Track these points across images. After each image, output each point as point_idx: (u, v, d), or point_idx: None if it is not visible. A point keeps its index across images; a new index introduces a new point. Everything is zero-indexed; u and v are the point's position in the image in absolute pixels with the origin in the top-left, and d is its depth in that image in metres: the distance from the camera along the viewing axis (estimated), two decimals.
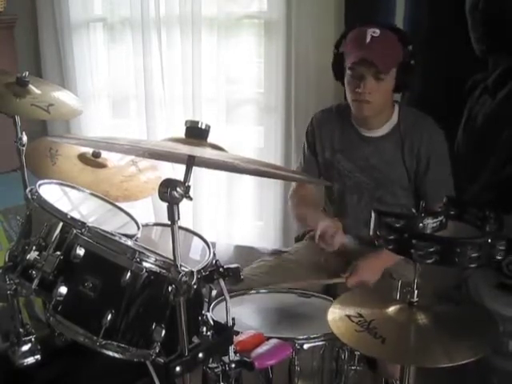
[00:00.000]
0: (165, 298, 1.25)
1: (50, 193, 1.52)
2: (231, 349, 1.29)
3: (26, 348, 1.49)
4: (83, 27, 2.94)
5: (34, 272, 1.34)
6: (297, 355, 1.49)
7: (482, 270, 1.92)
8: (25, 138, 1.82)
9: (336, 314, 1.34)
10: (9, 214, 2.56)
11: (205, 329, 1.24)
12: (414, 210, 1.32)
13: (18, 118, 1.80)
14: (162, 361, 1.24)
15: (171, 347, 1.23)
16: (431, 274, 1.43)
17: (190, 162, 1.18)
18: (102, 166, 2.15)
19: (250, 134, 2.82)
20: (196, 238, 1.67)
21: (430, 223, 1.30)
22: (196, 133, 1.23)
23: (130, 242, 1.41)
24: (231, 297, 1.50)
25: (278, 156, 2.64)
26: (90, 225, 1.35)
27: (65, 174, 1.98)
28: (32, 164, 1.95)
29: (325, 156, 2.06)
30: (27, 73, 1.83)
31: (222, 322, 1.31)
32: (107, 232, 1.37)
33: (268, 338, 1.40)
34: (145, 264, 1.28)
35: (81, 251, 1.30)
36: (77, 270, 1.30)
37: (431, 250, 1.16)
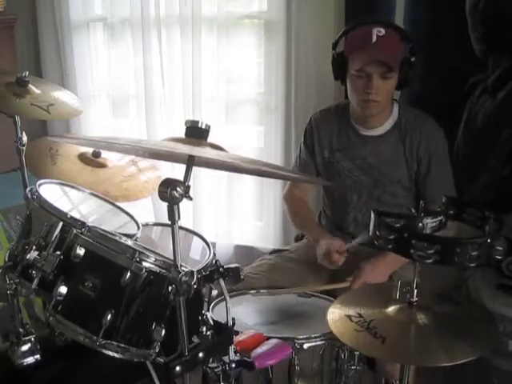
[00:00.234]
0: (165, 297, 1.26)
1: (50, 192, 1.52)
2: (231, 349, 1.29)
3: (25, 348, 1.48)
4: (83, 27, 2.94)
5: (33, 272, 1.34)
6: (297, 355, 1.49)
7: (482, 271, 1.92)
8: (25, 138, 1.82)
9: (336, 314, 1.34)
10: (9, 213, 2.56)
11: (205, 329, 1.24)
12: (413, 210, 1.32)
13: (18, 118, 1.80)
14: (162, 361, 1.24)
15: (171, 347, 1.22)
16: (431, 273, 1.43)
17: (190, 161, 1.18)
18: (102, 165, 2.15)
19: (250, 134, 2.82)
20: (196, 238, 1.67)
21: (429, 223, 1.30)
22: (196, 133, 1.23)
23: (129, 242, 1.41)
24: (231, 297, 1.50)
25: (277, 156, 2.64)
26: (89, 224, 1.35)
27: (65, 174, 1.98)
28: (32, 164, 1.95)
29: (324, 155, 2.06)
30: (27, 73, 1.82)
31: (222, 322, 1.31)
32: (107, 232, 1.37)
33: (268, 338, 1.40)
34: (145, 264, 1.28)
35: (81, 251, 1.30)
36: (77, 270, 1.30)
37: (431, 249, 1.16)
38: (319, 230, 2.04)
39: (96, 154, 2.14)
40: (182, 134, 1.24)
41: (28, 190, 1.50)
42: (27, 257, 1.36)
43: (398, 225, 1.28)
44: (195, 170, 1.22)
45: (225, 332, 1.30)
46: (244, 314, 1.67)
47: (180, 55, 2.71)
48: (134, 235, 1.52)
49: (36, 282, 1.33)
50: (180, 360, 1.18)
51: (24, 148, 1.82)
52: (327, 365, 1.56)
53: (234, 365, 1.29)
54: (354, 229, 1.99)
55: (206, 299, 1.38)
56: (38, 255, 1.36)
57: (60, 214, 1.40)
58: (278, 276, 1.92)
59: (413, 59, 1.89)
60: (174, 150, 1.21)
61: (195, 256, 1.58)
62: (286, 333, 1.53)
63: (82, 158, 2.14)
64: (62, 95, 1.94)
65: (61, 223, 1.37)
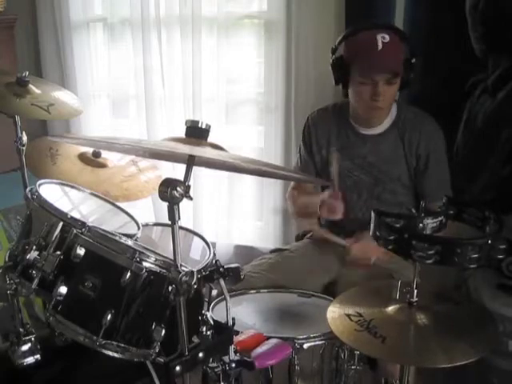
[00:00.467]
0: (165, 297, 1.26)
1: (50, 192, 1.52)
2: (231, 348, 1.29)
3: (25, 348, 1.48)
4: (83, 27, 2.94)
5: (34, 272, 1.34)
6: (297, 355, 1.49)
7: (482, 271, 1.92)
8: (25, 138, 1.82)
9: (335, 313, 1.34)
10: (9, 213, 2.56)
11: (205, 328, 1.24)
12: (413, 210, 1.32)
13: (18, 118, 1.80)
14: (162, 360, 1.24)
15: (171, 347, 1.22)
16: (431, 273, 1.43)
17: (190, 161, 1.19)
18: (102, 165, 2.15)
19: (250, 134, 2.82)
20: (196, 238, 1.67)
21: (429, 223, 1.30)
22: (196, 132, 1.23)
23: (130, 242, 1.41)
24: (231, 296, 1.50)
25: (277, 156, 2.64)
26: (90, 224, 1.35)
27: (65, 174, 1.98)
28: (32, 164, 1.95)
29: (322, 155, 2.06)
30: (27, 73, 1.82)
31: (222, 322, 1.31)
32: (107, 232, 1.37)
33: (268, 338, 1.40)
34: (145, 264, 1.28)
35: (81, 251, 1.30)
36: (77, 270, 1.30)
37: (431, 250, 1.16)
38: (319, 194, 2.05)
39: (96, 154, 2.14)
40: (182, 133, 1.24)
41: (28, 190, 1.50)
42: (27, 257, 1.36)
43: (398, 225, 1.28)
44: (195, 169, 1.22)
45: (225, 332, 1.30)
46: (244, 313, 1.67)
47: (180, 55, 2.70)
48: (134, 235, 1.52)
49: (36, 281, 1.33)
50: (180, 360, 1.18)
51: (24, 148, 1.82)
52: (327, 364, 1.57)
53: (234, 365, 1.29)
54: (354, 228, 1.99)
55: (206, 299, 1.38)
56: (38, 255, 1.36)
57: (60, 214, 1.40)
58: (278, 275, 1.92)
59: (413, 61, 1.89)
60: (175, 150, 1.21)
61: (195, 256, 1.58)
62: (286, 333, 1.53)
63: (82, 157, 2.14)
64: (62, 95, 1.94)
65: (61, 223, 1.37)
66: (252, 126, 2.80)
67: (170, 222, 1.15)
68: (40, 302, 2.35)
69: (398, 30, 1.94)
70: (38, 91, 1.85)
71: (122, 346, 1.26)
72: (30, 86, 1.83)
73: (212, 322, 1.25)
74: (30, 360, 1.48)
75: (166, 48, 2.73)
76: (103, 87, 3.03)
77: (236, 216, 2.85)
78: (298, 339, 1.50)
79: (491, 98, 2.07)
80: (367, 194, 2.00)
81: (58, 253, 1.33)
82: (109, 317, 1.25)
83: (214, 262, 1.37)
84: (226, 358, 1.29)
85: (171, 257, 1.19)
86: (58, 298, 1.29)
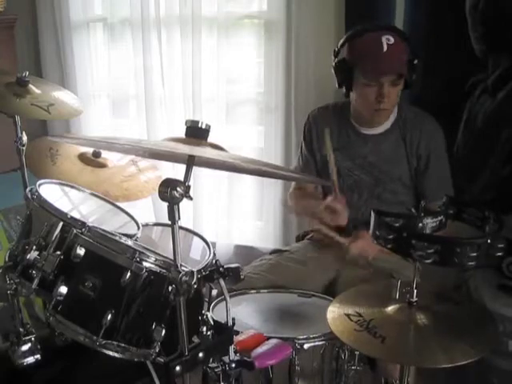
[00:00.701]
0: (165, 297, 1.26)
1: (50, 192, 1.52)
2: (231, 349, 1.29)
3: (25, 348, 1.48)
4: (83, 27, 2.94)
5: (34, 272, 1.34)
6: (297, 355, 1.49)
7: (482, 271, 1.92)
8: (25, 138, 1.82)
9: (335, 313, 1.34)
10: (9, 213, 2.56)
11: (205, 328, 1.24)
12: (413, 210, 1.32)
13: (18, 118, 1.80)
14: (162, 360, 1.24)
15: (171, 347, 1.22)
16: (431, 273, 1.43)
17: (190, 161, 1.18)
18: (102, 165, 2.15)
19: (250, 134, 2.82)
20: (196, 238, 1.67)
21: (429, 223, 1.30)
22: (196, 132, 1.23)
23: (130, 242, 1.41)
24: (231, 296, 1.50)
25: (278, 156, 2.64)
26: (90, 224, 1.35)
27: (65, 174, 1.98)
28: (32, 164, 1.95)
29: (322, 153, 2.06)
30: (27, 73, 1.82)
31: (222, 322, 1.31)
32: (107, 232, 1.37)
33: (268, 338, 1.40)
34: (145, 264, 1.28)
35: (81, 251, 1.30)
36: (77, 270, 1.30)
37: (431, 250, 1.16)
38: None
39: (96, 154, 2.14)
40: (182, 133, 1.24)
41: (28, 190, 1.50)
42: (27, 257, 1.36)
43: (398, 224, 1.28)
44: (195, 169, 1.22)
45: (225, 332, 1.30)
46: (244, 313, 1.67)
47: (180, 55, 2.70)
48: (134, 235, 1.52)
49: (36, 281, 1.33)
50: (180, 360, 1.18)
51: (24, 148, 1.82)
52: (327, 365, 1.56)
53: (234, 365, 1.29)
54: (355, 228, 1.99)
55: (206, 299, 1.38)
56: (38, 255, 1.36)
57: (60, 214, 1.40)
58: (278, 276, 1.92)
59: (415, 61, 1.90)
60: (174, 150, 1.21)
61: (195, 256, 1.57)
62: (286, 333, 1.53)
63: (82, 158, 2.14)
64: (62, 95, 1.94)
65: (61, 223, 1.37)
66: (252, 126, 2.80)
67: (169, 222, 1.15)
68: (40, 302, 2.35)
69: (399, 31, 1.94)
70: (38, 91, 1.85)
71: (122, 345, 1.26)
72: (30, 86, 1.83)
73: (212, 322, 1.25)
74: (30, 360, 1.48)
75: (166, 48, 2.73)
76: (103, 87, 3.03)
77: (236, 216, 2.85)
78: (299, 339, 1.49)
79: (491, 98, 2.07)
80: (368, 194, 2.00)
81: (58, 253, 1.33)
82: (109, 317, 1.25)
83: (214, 262, 1.37)
84: (226, 358, 1.29)
85: (171, 257, 1.19)
86: (58, 297, 1.29)
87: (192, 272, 1.17)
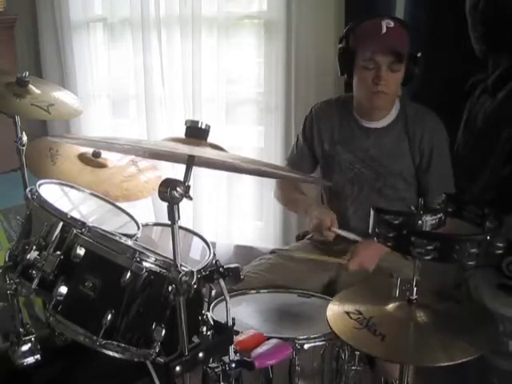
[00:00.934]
0: (165, 297, 1.26)
1: (50, 193, 1.52)
2: (231, 349, 1.29)
3: (25, 348, 1.48)
4: (83, 27, 2.95)
5: (34, 272, 1.34)
6: (297, 355, 1.48)
7: (482, 271, 1.92)
8: (25, 138, 1.82)
9: (335, 311, 1.34)
10: (9, 213, 2.56)
11: (205, 328, 1.24)
12: (412, 208, 1.32)
13: (18, 118, 1.80)
14: (162, 360, 1.24)
15: (171, 347, 1.22)
16: (430, 271, 1.43)
17: (190, 161, 1.18)
18: (102, 165, 2.15)
19: (250, 134, 2.82)
20: (196, 238, 1.67)
21: (428, 220, 1.30)
22: (196, 132, 1.23)
23: (130, 242, 1.41)
24: (231, 296, 1.50)
25: (277, 156, 2.64)
26: (90, 224, 1.35)
27: (65, 174, 1.98)
28: (32, 164, 1.95)
29: (324, 148, 2.06)
30: (27, 73, 1.82)
31: (222, 322, 1.31)
32: (107, 232, 1.37)
33: (268, 338, 1.40)
34: (145, 264, 1.28)
35: (81, 251, 1.30)
36: (77, 270, 1.30)
37: (430, 246, 1.17)
38: (311, 201, 2.07)
39: (96, 154, 2.14)
40: (182, 134, 1.24)
41: (28, 190, 1.50)
42: (27, 257, 1.36)
43: (397, 222, 1.28)
44: (195, 169, 1.22)
45: (225, 332, 1.29)
46: (244, 313, 1.67)
47: (180, 55, 2.71)
48: (134, 235, 1.52)
49: (36, 281, 1.33)
50: (180, 360, 1.18)
51: (24, 148, 1.82)
52: (328, 365, 1.56)
53: (234, 365, 1.29)
54: (355, 222, 1.99)
55: (206, 299, 1.38)
56: (38, 255, 1.36)
57: (60, 214, 1.40)
58: (278, 275, 1.92)
59: (419, 55, 1.90)
60: (174, 150, 1.21)
61: (195, 256, 1.57)
62: (286, 333, 1.53)
63: (82, 158, 2.14)
64: (62, 95, 1.94)
65: (61, 223, 1.37)
66: (252, 126, 2.80)
67: (169, 222, 1.15)
68: (40, 302, 2.35)
69: (406, 23, 1.94)
70: (37, 91, 1.85)
71: (122, 345, 1.26)
72: (30, 86, 1.83)
73: (212, 322, 1.25)
74: (30, 360, 1.48)
75: (166, 48, 2.73)
76: (103, 87, 3.03)
77: (236, 216, 2.85)
78: (299, 339, 1.49)
79: (491, 98, 2.07)
80: (368, 188, 2.00)
81: (58, 253, 1.33)
82: (109, 317, 1.25)
83: (213, 262, 1.37)
84: (226, 358, 1.29)
85: (171, 257, 1.19)
86: (58, 297, 1.28)
87: (192, 272, 1.17)
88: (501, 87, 2.04)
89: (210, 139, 1.24)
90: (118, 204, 1.73)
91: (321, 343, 1.52)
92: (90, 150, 2.16)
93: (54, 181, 1.65)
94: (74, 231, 1.34)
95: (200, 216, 2.80)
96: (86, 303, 1.29)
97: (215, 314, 1.50)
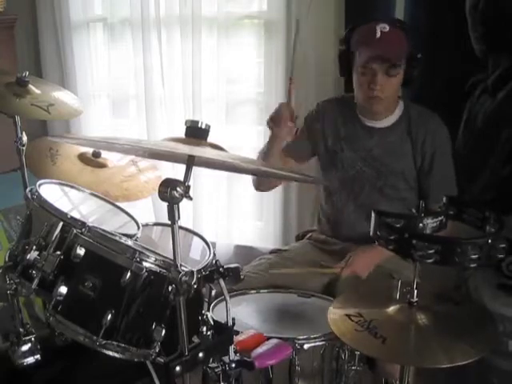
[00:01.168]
0: (165, 297, 1.26)
1: (50, 192, 1.52)
2: (231, 349, 1.29)
3: (25, 348, 1.48)
4: (83, 27, 2.95)
5: (34, 272, 1.34)
6: (297, 355, 1.49)
7: (482, 271, 1.92)
8: (25, 138, 1.82)
9: (336, 314, 1.34)
10: (9, 213, 2.56)
11: (205, 328, 1.24)
12: (413, 210, 1.32)
13: (18, 118, 1.80)
14: (162, 360, 1.24)
15: (171, 347, 1.22)
16: (431, 274, 1.43)
17: (190, 161, 1.18)
18: (102, 165, 2.15)
19: (249, 134, 2.82)
20: (196, 238, 1.67)
21: (429, 223, 1.30)
22: (196, 132, 1.23)
23: (130, 242, 1.41)
24: (231, 296, 1.50)
25: None
26: (90, 224, 1.35)
27: (65, 174, 1.98)
28: (32, 164, 1.95)
29: (327, 145, 2.06)
30: (27, 73, 1.83)
31: (222, 322, 1.31)
32: (107, 232, 1.37)
33: (268, 338, 1.40)
34: (145, 264, 1.28)
35: (81, 251, 1.30)
36: (77, 270, 1.30)
37: (432, 250, 1.16)
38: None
39: (96, 154, 2.14)
40: (182, 133, 1.24)
41: (28, 190, 1.50)
42: (27, 257, 1.36)
43: (399, 225, 1.28)
44: (195, 169, 1.22)
45: (225, 332, 1.29)
46: (244, 313, 1.67)
47: (180, 55, 2.71)
48: (134, 235, 1.52)
49: (36, 281, 1.33)
50: (180, 360, 1.18)
51: (24, 148, 1.83)
52: (328, 365, 1.56)
53: (234, 365, 1.29)
54: (354, 220, 1.99)
55: (206, 299, 1.38)
56: (38, 255, 1.36)
57: (60, 214, 1.40)
58: (278, 275, 1.92)
59: (419, 55, 1.89)
60: (174, 150, 1.21)
61: (195, 256, 1.57)
62: (286, 333, 1.52)
63: (82, 158, 2.14)
64: (62, 95, 1.94)
65: (61, 223, 1.37)
66: (252, 126, 2.80)
67: (169, 222, 1.15)
68: (40, 302, 2.35)
69: (404, 24, 1.94)
70: (37, 91, 1.85)
71: (122, 345, 1.26)
72: (30, 86, 1.84)
73: (212, 322, 1.25)
74: (30, 360, 1.48)
75: (166, 48, 2.73)
76: (103, 87, 3.03)
77: (236, 216, 2.85)
78: (299, 339, 1.49)
79: (491, 98, 2.07)
80: (369, 187, 2.00)
81: (58, 253, 1.33)
82: (109, 317, 1.25)
83: (213, 262, 1.37)
84: (225, 358, 1.29)
85: (171, 257, 1.19)
86: (58, 297, 1.29)
87: (192, 272, 1.17)
88: (501, 87, 2.04)
89: (210, 139, 1.24)
90: (118, 204, 1.73)
91: (321, 343, 1.52)
92: (90, 150, 2.16)
93: (54, 181, 1.65)
94: (74, 231, 1.34)
95: (200, 216, 2.80)
96: (85, 303, 1.29)
97: (215, 314, 1.50)
